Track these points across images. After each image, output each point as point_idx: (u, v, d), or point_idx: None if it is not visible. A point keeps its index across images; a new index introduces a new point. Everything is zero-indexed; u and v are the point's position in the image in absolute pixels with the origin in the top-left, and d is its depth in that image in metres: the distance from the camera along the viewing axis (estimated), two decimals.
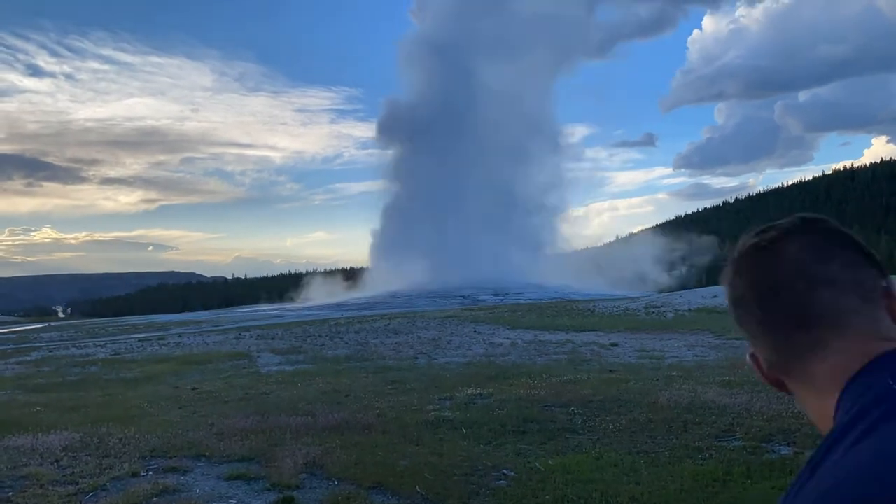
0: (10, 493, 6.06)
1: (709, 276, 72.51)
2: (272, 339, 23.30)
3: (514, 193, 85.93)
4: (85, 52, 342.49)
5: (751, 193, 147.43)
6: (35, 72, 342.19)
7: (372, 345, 20.12)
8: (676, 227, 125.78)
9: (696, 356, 15.01)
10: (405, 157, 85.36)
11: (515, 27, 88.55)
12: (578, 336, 20.94)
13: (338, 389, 11.61)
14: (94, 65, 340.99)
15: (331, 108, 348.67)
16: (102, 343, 26.04)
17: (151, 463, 6.99)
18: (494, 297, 54.70)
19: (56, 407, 11.02)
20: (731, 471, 6.05)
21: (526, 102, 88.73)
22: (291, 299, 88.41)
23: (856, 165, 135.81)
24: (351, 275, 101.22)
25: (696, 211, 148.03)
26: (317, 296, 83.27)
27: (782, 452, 6.74)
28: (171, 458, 7.15)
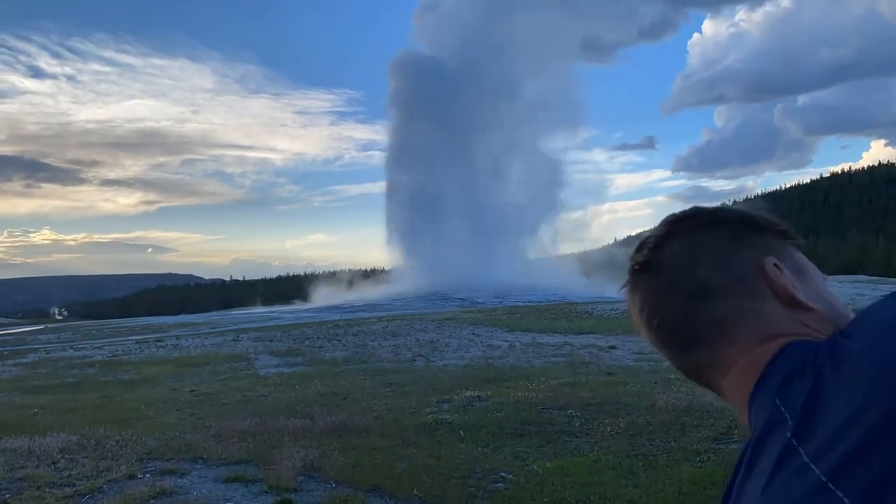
0: (7, 496, 6.04)
1: None
2: (270, 341, 23.27)
3: (512, 195, 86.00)
4: (87, 54, 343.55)
5: (749, 196, 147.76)
6: (36, 73, 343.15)
7: (370, 347, 20.11)
8: None
9: None
10: (407, 155, 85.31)
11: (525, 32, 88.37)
12: (577, 338, 20.94)
13: (336, 392, 11.60)
14: (96, 66, 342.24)
15: (331, 110, 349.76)
16: (100, 345, 26.00)
17: (149, 465, 6.97)
18: (493, 300, 54.65)
19: (53, 409, 11.00)
20: (729, 474, 6.04)
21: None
22: (290, 301, 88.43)
23: (854, 169, 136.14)
24: (350, 276, 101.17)
25: None
26: (316, 297, 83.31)
27: None
28: (168, 460, 7.14)
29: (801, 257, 0.81)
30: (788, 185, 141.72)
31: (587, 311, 31.20)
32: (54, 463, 7.06)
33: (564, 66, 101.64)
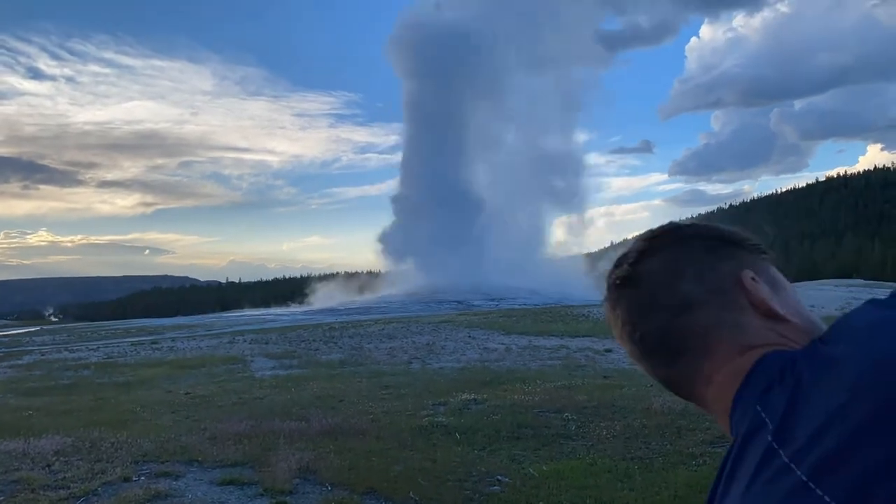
0: (1, 498, 6.02)
1: None
2: (266, 343, 23.24)
3: (508, 197, 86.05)
4: (86, 55, 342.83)
5: (745, 200, 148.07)
6: (35, 74, 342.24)
7: (366, 349, 20.09)
8: None
9: None
10: (409, 156, 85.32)
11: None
12: (573, 342, 20.94)
13: (332, 394, 11.58)
14: (95, 68, 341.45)
15: (330, 112, 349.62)
16: (95, 347, 25.94)
17: (144, 468, 6.95)
18: (489, 302, 54.74)
19: (48, 411, 10.97)
20: None
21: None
22: (286, 303, 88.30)
23: (849, 173, 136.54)
24: (347, 279, 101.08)
25: (688, 217, 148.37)
26: (312, 300, 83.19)
27: None
28: (163, 462, 7.12)
29: (775, 271, 0.82)
30: (784, 189, 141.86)
31: (583, 314, 31.21)
32: (49, 465, 7.03)
33: (563, 69, 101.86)
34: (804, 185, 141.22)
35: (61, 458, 7.30)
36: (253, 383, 13.70)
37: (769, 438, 0.65)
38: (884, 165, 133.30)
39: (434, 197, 79.49)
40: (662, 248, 0.81)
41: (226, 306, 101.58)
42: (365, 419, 9.10)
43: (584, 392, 10.65)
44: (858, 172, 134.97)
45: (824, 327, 0.76)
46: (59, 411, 10.85)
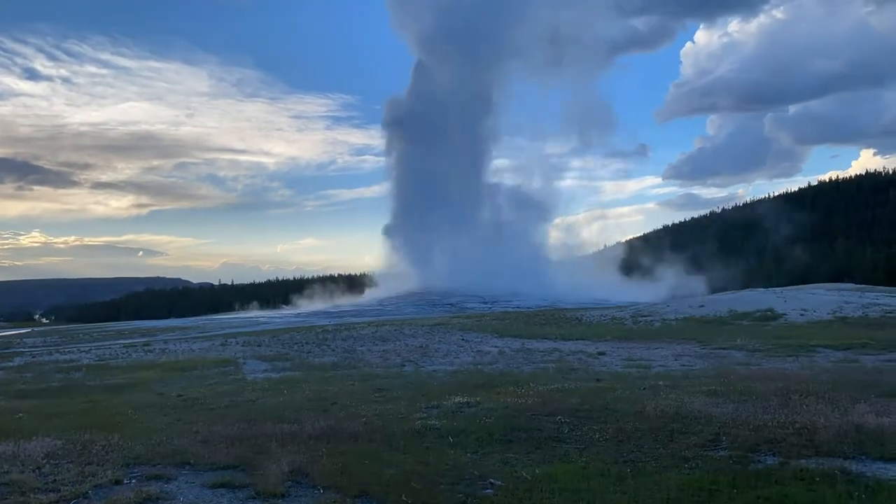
0: None
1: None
2: (259, 345, 23.18)
3: (503, 199, 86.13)
4: (83, 56, 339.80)
5: (738, 204, 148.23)
6: (31, 75, 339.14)
7: (359, 352, 20.06)
8: (664, 236, 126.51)
9: (683, 365, 15.06)
10: (404, 159, 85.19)
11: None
12: (566, 344, 20.97)
13: (324, 397, 11.55)
14: (92, 69, 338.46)
15: (327, 114, 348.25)
16: (87, 349, 25.81)
17: (135, 470, 6.92)
18: (482, 305, 54.78)
19: (38, 413, 10.90)
20: (718, 480, 6.06)
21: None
22: (279, 305, 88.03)
23: (841, 177, 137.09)
24: (340, 281, 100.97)
25: (682, 221, 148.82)
26: (305, 302, 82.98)
27: (768, 462, 6.76)
28: (154, 465, 7.09)
29: None
30: (777, 194, 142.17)
31: (576, 317, 31.26)
32: (39, 468, 6.99)
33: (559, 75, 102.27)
34: (796, 189, 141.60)
35: (52, 461, 7.26)
36: (245, 386, 13.66)
37: None
38: (875, 170, 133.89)
39: (428, 199, 79.46)
40: None
41: (218, 308, 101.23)
42: (358, 422, 9.09)
43: (576, 395, 10.66)
44: (850, 177, 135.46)
45: None
46: (49, 414, 10.79)
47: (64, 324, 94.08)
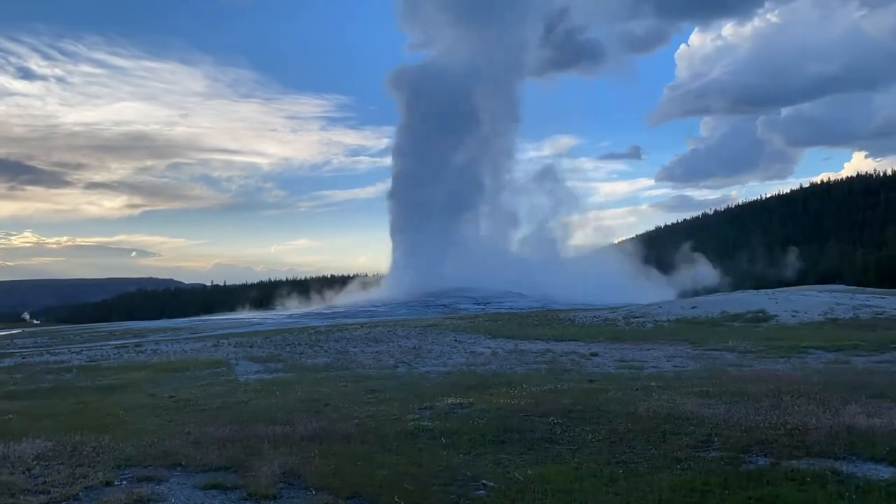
0: None
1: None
2: (251, 346, 23.12)
3: (497, 200, 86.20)
4: (78, 56, 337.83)
5: (730, 205, 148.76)
6: (26, 74, 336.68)
7: (352, 353, 20.04)
8: (657, 237, 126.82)
9: (675, 366, 15.10)
10: (403, 161, 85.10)
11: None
12: (559, 345, 21.00)
13: (317, 398, 11.53)
14: (87, 68, 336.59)
15: (321, 115, 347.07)
16: (78, 350, 25.69)
17: (126, 472, 6.88)
18: (475, 306, 54.78)
19: (29, 414, 10.84)
20: (709, 481, 6.08)
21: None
22: (272, 306, 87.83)
23: (833, 179, 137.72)
24: (334, 282, 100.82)
25: (675, 222, 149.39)
26: (298, 303, 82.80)
27: (760, 463, 6.79)
28: (146, 467, 7.05)
29: None
30: (768, 195, 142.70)
31: (569, 318, 31.30)
32: (29, 469, 6.95)
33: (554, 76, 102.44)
34: (788, 190, 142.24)
35: (42, 463, 7.22)
36: (237, 387, 13.62)
37: None
38: (866, 172, 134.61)
39: (424, 200, 79.40)
40: None
41: (210, 309, 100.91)
42: (350, 423, 9.07)
43: (569, 396, 10.68)
44: (841, 179, 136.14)
45: None
46: (40, 415, 10.73)
47: (55, 324, 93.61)
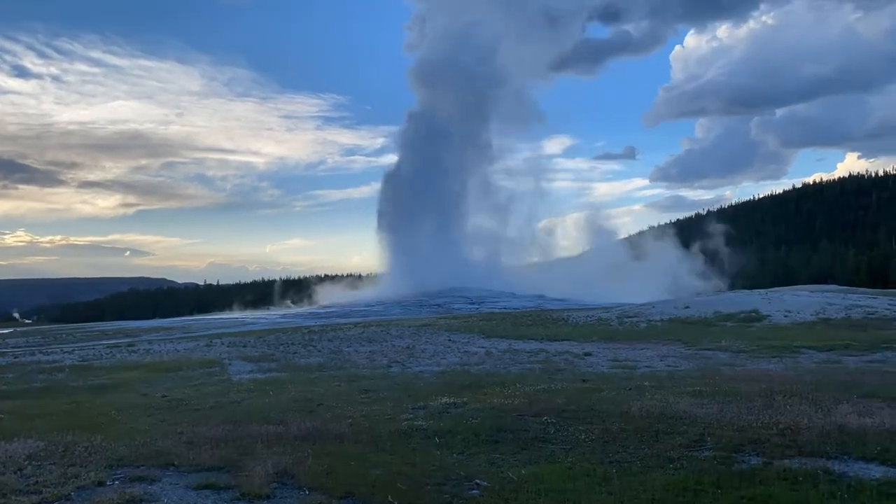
0: None
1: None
2: (244, 346, 23.07)
3: (491, 201, 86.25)
4: (73, 54, 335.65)
5: (723, 206, 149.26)
6: (21, 73, 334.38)
7: (345, 353, 20.02)
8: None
9: (668, 366, 15.14)
10: (401, 162, 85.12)
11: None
12: (552, 345, 21.02)
13: (310, 398, 11.51)
14: (82, 67, 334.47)
15: (317, 114, 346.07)
16: (70, 349, 25.58)
17: (118, 472, 6.86)
18: (469, 306, 54.78)
19: (20, 414, 10.78)
20: (702, 480, 6.10)
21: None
22: (265, 306, 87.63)
23: (825, 180, 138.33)
24: (328, 282, 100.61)
25: (668, 222, 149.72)
26: (291, 303, 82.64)
27: (752, 462, 6.81)
28: (138, 467, 7.03)
29: None
30: (761, 196, 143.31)
31: (563, 318, 31.34)
32: (20, 469, 6.91)
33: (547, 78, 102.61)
34: (781, 191, 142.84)
35: (34, 463, 7.18)
36: (230, 387, 13.59)
37: None
38: (858, 173, 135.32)
39: (417, 202, 79.40)
40: None
41: (204, 309, 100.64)
42: (344, 423, 9.06)
43: (563, 396, 10.69)
44: (834, 179, 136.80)
45: None
46: (31, 415, 10.67)
47: (47, 324, 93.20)
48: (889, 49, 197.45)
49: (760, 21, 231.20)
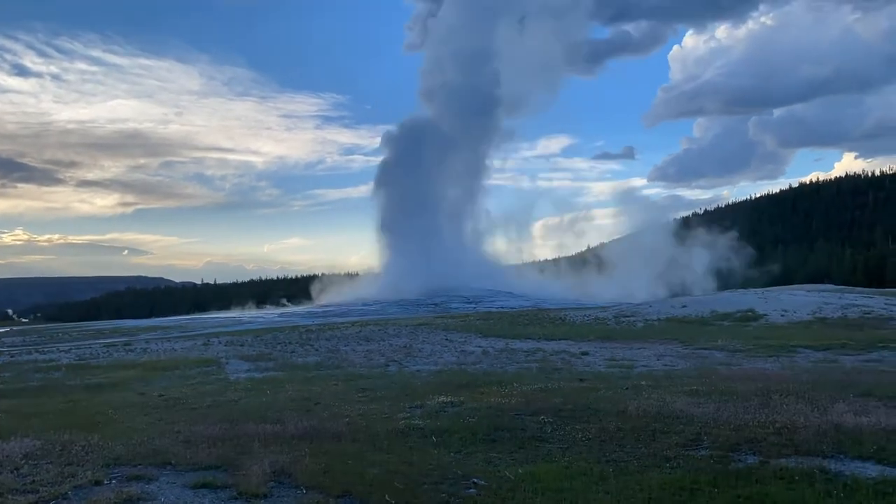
0: None
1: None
2: (241, 345, 23.05)
3: (488, 200, 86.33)
4: (73, 53, 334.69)
5: (720, 205, 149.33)
6: (21, 71, 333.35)
7: (343, 352, 20.01)
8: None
9: (665, 365, 15.16)
10: (397, 162, 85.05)
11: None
12: (549, 344, 21.04)
13: (307, 397, 11.51)
14: (82, 66, 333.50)
15: (317, 114, 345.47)
16: (67, 348, 25.54)
17: (115, 471, 6.85)
18: (466, 305, 54.84)
19: (17, 413, 10.77)
20: (699, 479, 6.11)
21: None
22: (263, 305, 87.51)
23: (822, 180, 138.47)
24: (325, 281, 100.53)
25: (666, 221, 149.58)
26: (289, 302, 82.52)
27: (749, 461, 6.83)
28: (135, 465, 7.02)
29: None
30: (758, 195, 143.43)
31: (560, 318, 31.37)
32: (17, 469, 6.90)
33: (549, 78, 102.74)
34: (778, 190, 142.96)
35: (30, 462, 7.17)
36: (227, 386, 13.58)
37: None
38: (855, 173, 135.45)
39: (412, 201, 79.34)
40: None
41: (201, 308, 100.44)
42: (341, 422, 9.06)
43: (560, 395, 10.70)
44: (830, 179, 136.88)
45: None
46: (28, 413, 10.66)
47: (44, 323, 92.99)
48: (887, 50, 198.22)
49: (759, 22, 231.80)
